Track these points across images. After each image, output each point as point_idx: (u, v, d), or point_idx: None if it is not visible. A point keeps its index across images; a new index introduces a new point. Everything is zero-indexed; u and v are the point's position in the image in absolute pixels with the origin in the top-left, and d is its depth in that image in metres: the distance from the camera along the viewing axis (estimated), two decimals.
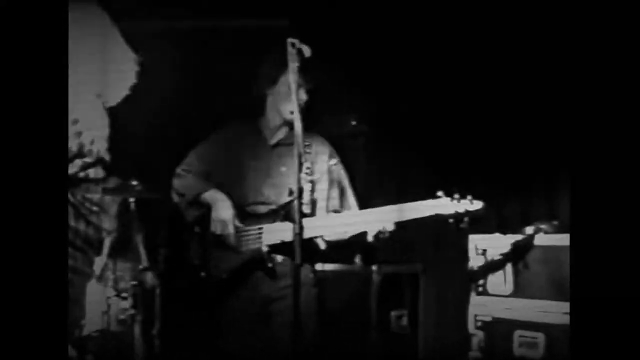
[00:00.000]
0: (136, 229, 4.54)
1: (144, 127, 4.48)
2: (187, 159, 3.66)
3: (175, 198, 3.64)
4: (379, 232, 3.22)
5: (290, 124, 3.44)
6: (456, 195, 3.10)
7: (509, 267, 3.83)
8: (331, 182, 3.52)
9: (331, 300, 4.19)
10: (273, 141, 3.56)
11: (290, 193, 3.04)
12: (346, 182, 3.59)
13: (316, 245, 3.47)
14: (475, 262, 3.92)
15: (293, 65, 2.83)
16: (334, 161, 3.58)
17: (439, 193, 3.13)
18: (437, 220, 3.13)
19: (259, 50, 3.60)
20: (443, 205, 3.11)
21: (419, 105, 4.68)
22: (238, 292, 3.40)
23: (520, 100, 4.20)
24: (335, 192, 3.53)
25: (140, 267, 4.49)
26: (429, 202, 3.13)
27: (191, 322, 4.12)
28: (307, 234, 3.02)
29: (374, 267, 4.37)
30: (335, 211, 3.48)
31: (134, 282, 4.40)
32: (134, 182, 4.38)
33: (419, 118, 4.68)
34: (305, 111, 3.35)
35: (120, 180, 4.48)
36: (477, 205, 3.11)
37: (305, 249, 2.77)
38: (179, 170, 3.65)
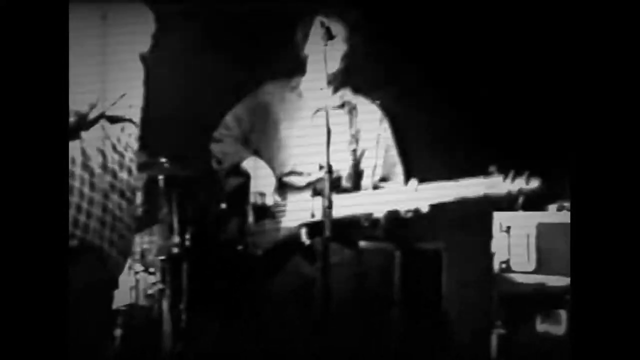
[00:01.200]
0: (164, 204, 4.64)
1: (172, 105, 4.49)
2: (224, 122, 3.45)
3: (214, 164, 3.43)
4: (412, 210, 3.02)
5: (335, 85, 3.25)
6: (511, 173, 2.83)
7: (532, 243, 3.85)
8: (377, 154, 3.26)
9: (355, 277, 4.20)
10: (314, 105, 3.22)
11: (320, 168, 2.82)
12: (396, 156, 3.34)
13: (359, 223, 3.24)
14: (498, 239, 3.94)
15: (322, 44, 2.81)
16: (384, 127, 3.33)
17: (491, 168, 2.87)
18: (486, 202, 2.89)
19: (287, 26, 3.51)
20: (494, 184, 2.83)
21: (448, 80, 4.61)
22: (275, 271, 3.20)
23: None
24: (381, 163, 3.28)
25: (169, 242, 4.58)
26: (476, 181, 2.88)
27: (220, 297, 4.18)
28: (343, 212, 2.94)
29: (396, 244, 4.40)
30: (375, 187, 3.23)
31: (162, 257, 4.47)
32: (163, 159, 4.46)
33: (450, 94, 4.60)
34: (352, 65, 3.23)
35: (149, 157, 4.57)
36: (534, 183, 2.83)
37: (347, 227, 2.71)
38: (216, 134, 3.45)
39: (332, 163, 2.83)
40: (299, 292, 3.15)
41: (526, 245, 3.87)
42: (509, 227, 3.90)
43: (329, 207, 2.70)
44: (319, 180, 3.01)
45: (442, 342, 4.37)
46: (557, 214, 3.84)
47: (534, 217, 3.87)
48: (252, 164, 3.25)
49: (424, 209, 2.99)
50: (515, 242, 3.90)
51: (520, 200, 2.82)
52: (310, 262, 3.11)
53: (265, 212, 3.20)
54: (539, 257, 3.85)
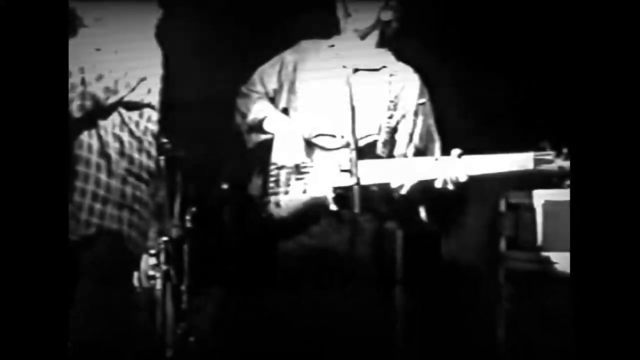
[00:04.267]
0: (165, 186, 4.60)
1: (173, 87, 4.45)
2: (253, 78, 3.37)
3: (237, 118, 3.35)
4: (451, 182, 2.95)
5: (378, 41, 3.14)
6: (564, 150, 2.78)
7: (539, 220, 3.89)
8: (415, 124, 3.23)
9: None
10: (356, 65, 3.16)
11: (347, 145, 2.81)
12: (433, 127, 3.29)
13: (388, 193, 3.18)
14: (505, 217, 3.97)
15: (344, 24, 2.80)
16: (422, 100, 3.28)
17: (543, 143, 2.83)
18: (536, 176, 2.88)
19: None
20: (545, 160, 2.81)
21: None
22: (299, 240, 3.15)
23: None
24: (418, 136, 3.24)
25: (169, 223, 4.54)
26: (525, 156, 2.84)
27: (223, 275, 4.16)
28: (371, 180, 2.91)
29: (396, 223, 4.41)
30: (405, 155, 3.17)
31: (165, 238, 4.43)
32: (164, 140, 4.42)
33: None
34: (391, 30, 3.15)
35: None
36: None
37: (373, 198, 2.69)
38: (243, 88, 3.37)
39: (368, 127, 2.90)
40: (318, 262, 3.12)
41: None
42: (516, 205, 3.93)
43: (357, 184, 2.67)
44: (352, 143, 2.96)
45: (447, 319, 4.39)
46: (564, 192, 3.87)
47: (541, 195, 3.91)
48: (279, 123, 3.15)
49: (462, 178, 2.92)
50: (522, 219, 3.93)
51: (569, 179, 2.74)
52: (336, 230, 3.06)
53: (292, 173, 3.12)
54: (545, 235, 3.89)
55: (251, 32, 4.50)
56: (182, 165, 4.61)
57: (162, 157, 4.49)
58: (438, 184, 2.98)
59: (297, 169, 3.09)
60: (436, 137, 3.29)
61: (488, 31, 4.37)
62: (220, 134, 3.78)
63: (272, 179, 3.16)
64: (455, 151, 2.97)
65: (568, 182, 2.79)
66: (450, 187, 2.97)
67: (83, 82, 2.35)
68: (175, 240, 4.50)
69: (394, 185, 3.11)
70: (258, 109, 3.23)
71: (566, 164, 2.78)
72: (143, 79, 2.49)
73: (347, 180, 2.90)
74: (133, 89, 2.46)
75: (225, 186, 3.64)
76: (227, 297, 4.36)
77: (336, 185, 3.03)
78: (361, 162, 2.90)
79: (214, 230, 3.91)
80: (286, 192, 3.11)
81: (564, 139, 2.74)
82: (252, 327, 3.40)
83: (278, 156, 3.13)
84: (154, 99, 2.60)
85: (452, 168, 2.92)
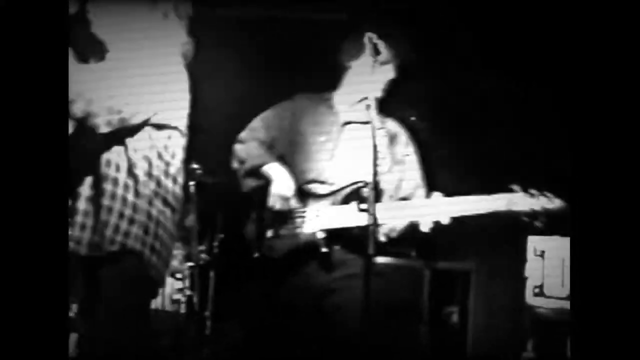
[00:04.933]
0: (194, 211, 4.64)
1: (205, 114, 4.51)
2: (251, 125, 3.46)
3: (235, 164, 3.44)
4: (436, 224, 3.04)
5: (367, 104, 3.18)
6: (533, 190, 2.89)
7: (567, 268, 3.82)
8: (403, 171, 3.33)
9: (383, 294, 4.18)
10: (345, 119, 3.32)
11: (366, 184, 2.79)
12: (418, 175, 3.38)
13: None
14: (532, 263, 3.92)
15: (371, 60, 2.82)
16: (410, 150, 3.38)
17: (514, 186, 2.93)
18: (507, 217, 2.93)
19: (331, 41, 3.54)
20: (517, 200, 2.91)
21: (479, 100, 4.63)
22: (290, 280, 3.20)
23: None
24: (407, 182, 3.33)
25: (197, 249, 4.58)
26: (501, 195, 2.93)
27: (243, 304, 4.18)
28: (360, 221, 2.89)
29: (425, 263, 4.39)
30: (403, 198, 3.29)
31: (191, 264, 4.46)
32: (195, 166, 4.47)
33: (480, 113, 4.63)
34: (392, 89, 3.23)
35: (181, 162, 4.58)
36: (556, 203, 2.89)
37: (357, 239, 2.69)
38: (242, 135, 3.45)
39: (357, 175, 2.99)
40: (313, 302, 3.15)
41: (561, 270, 3.84)
42: (543, 252, 3.87)
43: (374, 224, 2.67)
44: (343, 189, 3.13)
45: None
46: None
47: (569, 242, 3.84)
48: (274, 168, 3.26)
49: (445, 221, 3.01)
50: (550, 267, 3.87)
51: (541, 219, 2.89)
52: (327, 271, 3.12)
53: (284, 217, 3.20)
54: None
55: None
56: (212, 192, 4.67)
57: (192, 183, 4.57)
58: (424, 228, 3.08)
59: (291, 214, 3.19)
60: (421, 188, 3.35)
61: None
62: None
63: (266, 222, 3.25)
64: (437, 195, 3.10)
65: (538, 223, 2.89)
66: (430, 228, 3.07)
67: (111, 97, 2.37)
68: (201, 266, 4.54)
69: (385, 230, 3.19)
70: (256, 156, 3.34)
71: (536, 205, 2.89)
72: (169, 103, 2.51)
73: (339, 222, 3.08)
74: (156, 113, 2.48)
75: (253, 215, 3.66)
76: (249, 324, 4.35)
77: (325, 228, 3.14)
78: (348, 206, 3.07)
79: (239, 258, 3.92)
80: (278, 236, 3.20)
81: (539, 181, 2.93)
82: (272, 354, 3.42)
83: (273, 201, 3.22)
84: (181, 122, 2.60)
85: (435, 211, 3.05)
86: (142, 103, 2.45)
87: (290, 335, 3.27)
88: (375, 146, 2.77)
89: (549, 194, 2.90)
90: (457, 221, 3.00)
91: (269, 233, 3.22)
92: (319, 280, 3.15)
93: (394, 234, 3.22)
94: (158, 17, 2.61)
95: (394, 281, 4.38)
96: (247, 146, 3.39)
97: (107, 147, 2.47)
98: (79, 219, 2.47)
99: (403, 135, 3.41)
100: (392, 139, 3.37)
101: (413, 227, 3.12)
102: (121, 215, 2.44)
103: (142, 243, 2.45)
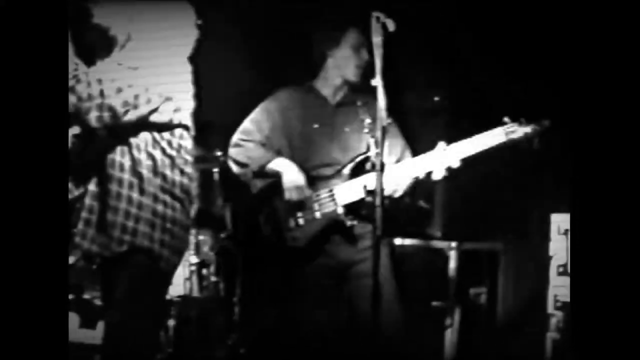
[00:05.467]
0: (219, 197, 4.67)
1: (227, 99, 4.53)
2: (243, 128, 3.59)
3: (235, 169, 3.59)
4: (449, 169, 3.24)
5: (350, 85, 3.49)
6: (522, 119, 3.20)
7: None
8: (390, 140, 3.38)
9: (409, 276, 4.18)
10: (335, 102, 3.52)
11: (373, 167, 2.89)
12: (403, 141, 3.55)
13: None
14: (556, 243, 3.87)
15: (377, 39, 2.80)
16: (389, 120, 3.38)
17: (506, 119, 3.22)
18: (507, 147, 3.21)
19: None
20: (512, 129, 3.21)
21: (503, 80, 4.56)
22: (315, 260, 3.37)
23: None
24: (395, 149, 3.48)
25: (223, 235, 4.61)
26: (497, 130, 3.22)
27: (270, 290, 4.20)
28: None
29: (452, 244, 4.36)
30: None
31: (217, 250, 4.50)
32: (218, 153, 4.49)
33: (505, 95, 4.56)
34: (368, 71, 3.29)
35: (204, 150, 4.61)
36: (545, 123, 3.22)
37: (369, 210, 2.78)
38: (236, 139, 3.59)
39: (357, 149, 3.32)
40: (337, 277, 3.35)
41: None
42: (567, 230, 3.82)
43: (381, 204, 2.68)
44: (346, 165, 3.37)
45: (496, 345, 4.30)
46: None
47: None
48: (281, 162, 3.41)
49: (455, 164, 3.23)
50: None
51: (536, 140, 3.22)
52: (351, 244, 3.33)
53: (301, 206, 3.36)
54: None
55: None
56: (237, 178, 4.68)
57: (215, 170, 4.60)
58: (437, 176, 3.26)
59: (306, 201, 3.35)
60: (408, 149, 3.53)
61: None
62: None
63: (283, 216, 3.40)
64: (441, 144, 3.27)
65: (536, 143, 3.22)
66: (443, 175, 3.26)
67: (102, 94, 2.37)
68: (227, 252, 4.57)
69: (388, 192, 3.29)
70: (259, 156, 3.48)
71: (528, 129, 3.23)
72: (168, 98, 2.50)
73: (353, 196, 3.30)
74: (156, 109, 2.46)
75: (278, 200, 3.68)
76: (277, 310, 4.37)
77: (346, 203, 3.32)
78: (360, 178, 3.30)
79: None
80: (299, 225, 3.36)
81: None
82: (300, 340, 3.48)
83: (288, 193, 3.36)
84: (185, 117, 2.60)
85: (444, 158, 3.24)
86: (137, 94, 2.45)
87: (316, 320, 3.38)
88: (383, 128, 2.81)
89: (535, 120, 3.22)
90: (467, 163, 3.24)
91: (290, 224, 3.37)
92: (341, 258, 3.34)
93: (397, 194, 3.35)
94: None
95: (418, 263, 4.37)
96: (244, 149, 3.53)
97: (112, 147, 2.50)
98: (85, 217, 2.51)
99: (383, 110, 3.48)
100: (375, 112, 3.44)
101: (427, 178, 3.29)
102: (127, 215, 2.47)
103: (150, 239, 2.48)
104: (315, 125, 3.48)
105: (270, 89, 3.68)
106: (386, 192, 3.23)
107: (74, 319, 3.87)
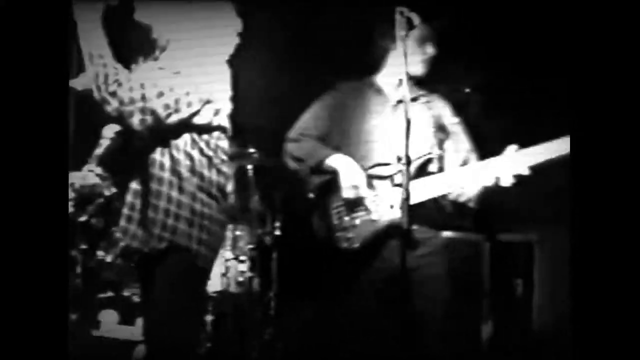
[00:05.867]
0: (253, 194, 4.73)
1: (261, 97, 4.57)
2: (300, 123, 3.47)
3: (292, 164, 3.44)
4: (518, 176, 3.03)
5: (415, 79, 3.30)
6: None
7: None
8: (455, 141, 3.34)
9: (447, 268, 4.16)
10: (397, 98, 3.32)
11: (399, 160, 2.85)
12: (469, 142, 3.39)
13: (443, 207, 3.28)
14: None
15: (401, 33, 2.79)
16: (456, 120, 3.39)
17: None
18: None
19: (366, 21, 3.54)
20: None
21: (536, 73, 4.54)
22: (370, 264, 3.21)
23: None
24: (460, 151, 3.34)
25: (259, 231, 4.67)
26: (564, 139, 2.96)
27: (309, 288, 4.22)
28: (434, 192, 3.08)
29: (486, 236, 4.35)
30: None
31: (252, 246, 4.55)
32: (252, 150, 4.55)
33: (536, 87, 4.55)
34: (432, 65, 3.28)
35: (238, 147, 4.67)
36: None
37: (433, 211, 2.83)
38: (293, 134, 3.46)
39: (419, 149, 3.07)
40: (390, 283, 3.12)
41: None
42: None
43: (406, 198, 2.68)
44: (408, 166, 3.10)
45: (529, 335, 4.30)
46: None
47: None
48: (338, 160, 3.26)
49: (524, 172, 3.03)
50: None
51: None
52: (409, 249, 3.03)
53: (358, 206, 3.22)
54: None
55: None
56: (270, 174, 4.74)
57: (249, 167, 4.66)
58: (505, 182, 3.05)
59: (363, 201, 3.20)
60: (473, 152, 3.36)
61: None
62: None
63: (338, 215, 3.25)
64: (511, 147, 3.08)
65: None
66: (511, 183, 3.06)
67: (143, 97, 2.43)
68: (263, 247, 4.63)
69: (453, 195, 3.22)
70: (316, 151, 3.33)
71: None
72: (208, 102, 2.55)
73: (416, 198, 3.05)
74: (197, 112, 2.52)
75: (312, 195, 3.69)
76: (315, 305, 4.40)
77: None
78: (422, 180, 3.13)
79: (302, 239, 3.96)
80: (354, 225, 3.21)
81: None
82: (339, 335, 3.45)
83: (346, 192, 3.21)
84: (223, 119, 2.65)
85: (513, 164, 3.04)
86: (191, 99, 2.50)
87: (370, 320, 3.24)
88: (408, 121, 2.77)
89: None
90: (535, 171, 3.02)
91: (345, 224, 3.23)
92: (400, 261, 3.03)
93: (462, 199, 3.23)
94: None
95: (455, 255, 4.37)
96: (302, 144, 3.40)
97: (153, 147, 2.56)
98: (127, 214, 2.56)
99: (448, 108, 3.42)
100: (440, 110, 3.38)
101: (495, 184, 3.08)
102: (167, 213, 2.52)
103: (188, 237, 2.54)
104: (375, 122, 3.33)
105: (305, 89, 3.62)
106: (450, 196, 3.22)
107: (113, 315, 3.95)
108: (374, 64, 3.41)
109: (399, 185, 2.84)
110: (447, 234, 4.40)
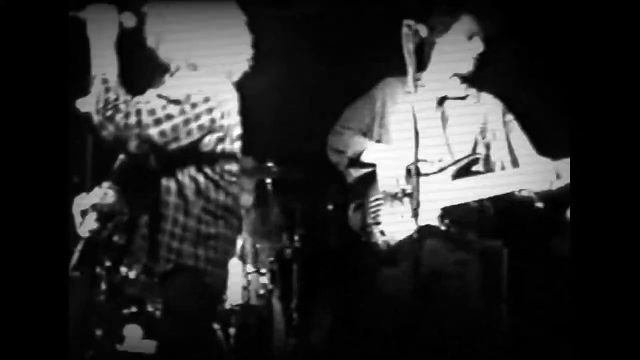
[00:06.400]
0: (273, 207, 4.79)
1: (278, 111, 4.62)
2: (344, 115, 3.43)
3: (333, 157, 3.39)
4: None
5: (461, 77, 3.27)
6: None
7: None
8: (508, 139, 3.28)
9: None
10: (441, 95, 3.28)
11: (408, 172, 2.89)
12: (524, 139, 3.32)
13: (483, 211, 3.23)
14: None
15: (408, 46, 2.79)
16: (509, 117, 3.34)
17: None
18: None
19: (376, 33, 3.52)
20: None
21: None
22: (402, 263, 3.10)
23: None
24: (515, 148, 3.29)
25: (279, 244, 4.73)
26: None
27: (329, 296, 4.24)
28: (481, 194, 3.05)
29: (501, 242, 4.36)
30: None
31: (272, 259, 4.60)
32: (270, 164, 4.61)
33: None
34: (482, 63, 3.23)
35: (256, 161, 4.73)
36: None
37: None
38: (336, 127, 3.42)
39: (464, 149, 3.10)
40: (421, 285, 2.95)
41: None
42: None
43: (416, 208, 2.69)
44: (451, 165, 3.14)
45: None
46: None
47: None
48: (378, 152, 3.23)
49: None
50: None
51: None
52: (445, 252, 3.10)
53: (397, 200, 3.14)
54: None
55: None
56: (289, 188, 4.80)
57: (268, 181, 4.72)
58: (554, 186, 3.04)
59: (401, 195, 3.12)
60: (530, 147, 3.30)
61: None
62: (321, 158, 3.87)
63: (374, 208, 3.21)
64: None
65: None
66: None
67: (139, 124, 2.45)
68: (283, 260, 4.68)
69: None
70: (356, 144, 3.30)
71: None
72: (211, 131, 2.55)
73: (454, 199, 3.06)
74: (199, 140, 2.55)
75: (330, 207, 3.73)
76: (337, 315, 4.43)
77: (446, 206, 3.10)
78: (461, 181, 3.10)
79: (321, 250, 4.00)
80: (389, 222, 3.14)
81: None
82: (362, 345, 3.45)
83: (384, 184, 3.16)
84: (230, 146, 2.65)
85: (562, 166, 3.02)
86: (190, 127, 2.53)
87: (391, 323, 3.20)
88: (416, 132, 2.77)
89: None
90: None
91: (382, 219, 3.16)
92: (436, 263, 3.07)
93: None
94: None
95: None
96: (343, 137, 3.37)
97: (161, 172, 2.59)
98: (142, 233, 2.61)
99: (500, 104, 3.35)
100: (489, 109, 3.32)
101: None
102: (172, 235, 2.57)
103: (195, 258, 2.59)
104: (418, 119, 3.12)
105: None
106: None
107: (137, 330, 4.00)
108: (422, 59, 3.32)
109: (409, 195, 2.84)
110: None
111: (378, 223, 3.16)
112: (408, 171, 3.11)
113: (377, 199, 3.19)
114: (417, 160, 2.75)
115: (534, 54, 4.46)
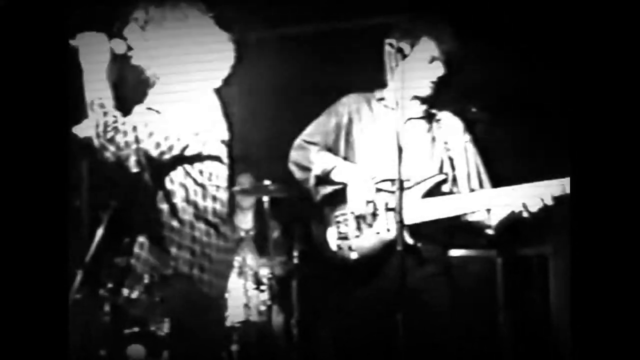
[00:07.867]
0: (271, 226, 4.85)
1: (273, 130, 4.68)
2: (308, 130, 3.34)
3: (297, 173, 3.31)
4: (544, 206, 2.95)
5: (422, 99, 3.24)
6: None
7: None
8: (467, 160, 3.27)
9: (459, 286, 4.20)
10: (405, 115, 3.13)
11: (392, 183, 2.88)
12: (479, 161, 3.31)
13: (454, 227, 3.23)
14: None
15: (392, 65, 2.83)
16: (467, 137, 3.32)
17: None
18: None
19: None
20: None
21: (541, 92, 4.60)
22: (373, 280, 3.11)
23: None
24: (473, 170, 3.26)
25: (278, 260, 4.79)
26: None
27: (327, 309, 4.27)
28: (447, 213, 3.01)
29: (498, 251, 4.40)
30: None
31: (269, 275, 4.65)
32: (267, 182, 4.66)
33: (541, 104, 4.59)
34: (442, 86, 3.20)
35: (254, 180, 4.80)
36: None
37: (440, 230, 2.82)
38: (298, 142, 3.33)
39: (429, 169, 3.06)
40: (391, 303, 2.91)
41: None
42: None
43: (400, 221, 2.70)
44: (418, 184, 3.11)
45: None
46: None
47: None
48: (349, 170, 3.18)
49: (549, 202, 2.96)
50: None
51: None
52: (413, 268, 3.02)
53: (366, 218, 3.11)
54: None
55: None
56: (286, 205, 4.86)
57: (265, 199, 4.78)
58: (534, 209, 2.98)
59: (372, 213, 3.10)
60: (484, 171, 3.29)
61: None
62: None
63: (342, 224, 3.17)
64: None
65: None
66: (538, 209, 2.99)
67: (137, 140, 2.51)
68: (282, 276, 4.74)
69: (475, 218, 3.16)
70: (323, 161, 3.23)
71: None
72: (196, 134, 2.61)
73: (421, 217, 3.04)
74: (187, 145, 2.62)
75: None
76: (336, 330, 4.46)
77: (411, 223, 3.04)
78: (444, 198, 3.10)
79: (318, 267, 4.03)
80: (357, 236, 3.11)
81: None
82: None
83: (354, 203, 3.12)
84: (214, 148, 2.70)
85: (542, 190, 2.98)
86: (179, 134, 2.57)
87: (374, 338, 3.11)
88: (400, 148, 2.76)
89: None
90: (558, 201, 2.94)
91: (352, 236, 3.11)
92: (403, 279, 2.89)
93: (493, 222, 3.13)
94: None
95: (469, 272, 4.41)
96: (308, 152, 3.29)
97: (157, 185, 2.64)
98: (140, 242, 2.67)
99: (460, 124, 3.34)
100: (450, 129, 3.30)
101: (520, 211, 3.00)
102: (171, 242, 2.62)
103: (190, 266, 2.64)
104: (382, 137, 3.19)
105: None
106: (471, 217, 3.15)
107: (139, 350, 4.05)
108: (385, 78, 3.27)
109: (392, 209, 2.87)
110: (457, 252, 4.45)
111: (346, 238, 3.14)
112: (378, 189, 3.12)
113: (344, 214, 3.16)
114: (400, 176, 2.75)
115: (494, 75, 4.59)
